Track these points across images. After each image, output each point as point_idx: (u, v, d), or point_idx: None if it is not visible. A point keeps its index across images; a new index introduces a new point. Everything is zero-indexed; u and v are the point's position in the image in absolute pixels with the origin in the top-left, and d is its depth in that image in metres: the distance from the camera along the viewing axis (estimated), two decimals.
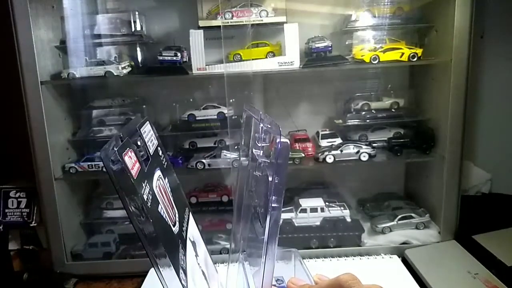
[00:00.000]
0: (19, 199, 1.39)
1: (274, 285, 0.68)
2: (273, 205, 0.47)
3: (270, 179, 0.48)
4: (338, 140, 1.45)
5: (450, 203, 1.32)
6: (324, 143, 1.45)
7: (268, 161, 0.54)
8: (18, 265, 1.41)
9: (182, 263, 0.57)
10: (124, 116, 1.46)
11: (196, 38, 1.28)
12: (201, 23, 1.33)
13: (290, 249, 0.80)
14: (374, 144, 1.42)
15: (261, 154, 0.56)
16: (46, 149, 1.26)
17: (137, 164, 0.51)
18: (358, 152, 1.37)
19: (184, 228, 0.66)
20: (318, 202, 1.39)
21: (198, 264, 0.68)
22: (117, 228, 1.47)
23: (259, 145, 0.56)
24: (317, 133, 1.51)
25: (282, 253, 0.79)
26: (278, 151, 0.46)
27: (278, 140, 0.46)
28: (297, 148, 1.43)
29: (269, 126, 0.54)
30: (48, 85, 1.29)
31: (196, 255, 0.68)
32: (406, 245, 1.34)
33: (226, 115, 1.39)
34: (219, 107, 1.41)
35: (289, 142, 0.47)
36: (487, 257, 1.20)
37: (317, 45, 1.33)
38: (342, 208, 1.38)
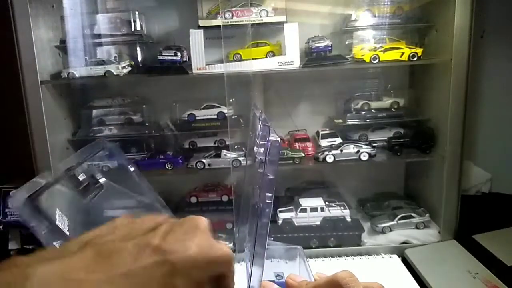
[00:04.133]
0: None
1: (273, 281, 0.68)
2: (266, 201, 0.47)
3: (267, 176, 0.49)
4: (338, 140, 1.45)
5: (450, 202, 1.32)
6: (324, 142, 1.45)
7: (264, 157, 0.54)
8: None
9: None
10: (124, 116, 1.46)
11: (196, 37, 1.28)
12: (201, 23, 1.33)
13: (296, 246, 0.80)
14: (374, 144, 1.42)
15: (261, 151, 0.56)
16: (46, 149, 1.26)
17: None
18: (358, 151, 1.37)
19: None
20: (318, 201, 1.39)
21: None
22: None
23: (259, 142, 0.56)
24: (317, 132, 1.51)
25: (287, 250, 0.79)
26: (268, 149, 0.46)
27: (268, 138, 0.47)
28: (297, 147, 1.43)
29: (266, 124, 0.54)
30: (48, 84, 1.29)
31: None
32: (406, 244, 1.34)
33: (226, 114, 1.39)
34: (219, 107, 1.41)
35: (279, 140, 0.48)
36: (487, 257, 1.20)
37: (317, 45, 1.33)
38: (342, 207, 1.38)
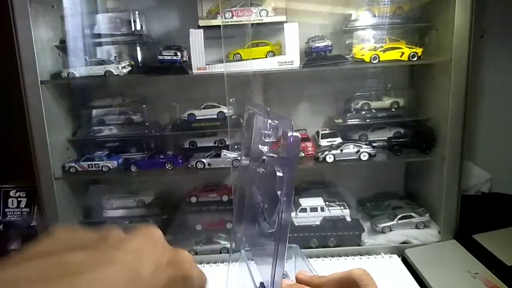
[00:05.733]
0: (19, 199, 1.40)
1: None
2: (283, 199, 0.47)
3: (280, 174, 0.48)
4: (338, 140, 1.45)
5: (450, 202, 1.32)
6: (324, 142, 1.45)
7: (275, 155, 0.54)
8: None
9: None
10: (124, 116, 1.46)
11: (196, 37, 1.28)
12: (201, 23, 1.33)
13: (291, 244, 0.80)
14: (374, 144, 1.42)
15: (267, 150, 0.56)
16: (46, 148, 1.26)
17: None
18: (358, 151, 1.37)
19: None
20: (318, 201, 1.39)
21: None
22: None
23: (266, 140, 0.56)
24: (317, 132, 1.51)
25: None
26: (290, 146, 0.46)
27: (290, 134, 0.46)
28: None
29: (277, 122, 0.53)
30: (48, 84, 1.29)
31: None
32: (406, 244, 1.34)
33: (226, 114, 1.39)
34: (219, 107, 1.41)
35: (299, 136, 0.47)
36: (487, 257, 1.20)
37: (317, 45, 1.33)
38: (342, 207, 1.38)
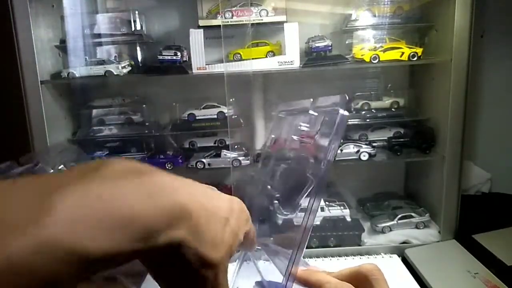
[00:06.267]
0: None
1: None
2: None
3: (312, 160, 0.48)
4: None
5: (450, 202, 1.32)
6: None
7: (310, 143, 0.53)
8: None
9: None
10: (124, 116, 1.46)
11: (196, 37, 1.28)
12: (201, 23, 1.33)
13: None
14: (374, 144, 1.41)
15: (300, 139, 0.55)
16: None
17: None
18: (358, 151, 1.37)
19: None
20: None
21: None
22: None
23: (302, 129, 0.55)
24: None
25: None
26: (339, 121, 0.45)
27: (340, 111, 0.46)
28: None
29: (324, 105, 0.52)
30: (48, 84, 1.29)
31: None
32: (406, 244, 1.34)
33: (226, 114, 1.39)
34: (219, 107, 1.41)
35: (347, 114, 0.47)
36: (487, 257, 1.20)
37: (317, 45, 1.33)
38: (342, 207, 1.38)
